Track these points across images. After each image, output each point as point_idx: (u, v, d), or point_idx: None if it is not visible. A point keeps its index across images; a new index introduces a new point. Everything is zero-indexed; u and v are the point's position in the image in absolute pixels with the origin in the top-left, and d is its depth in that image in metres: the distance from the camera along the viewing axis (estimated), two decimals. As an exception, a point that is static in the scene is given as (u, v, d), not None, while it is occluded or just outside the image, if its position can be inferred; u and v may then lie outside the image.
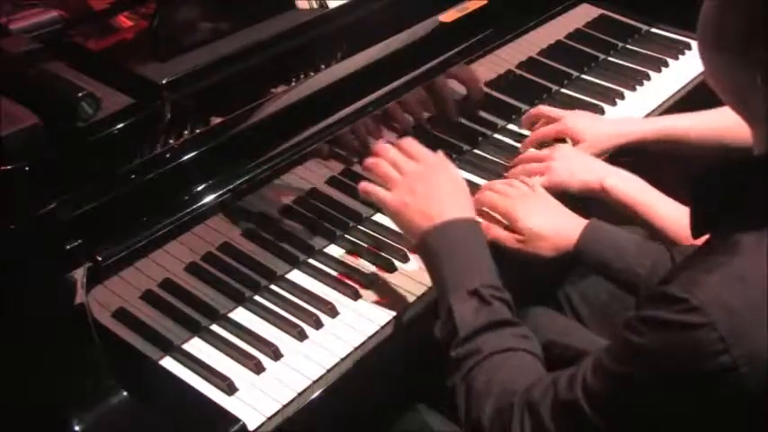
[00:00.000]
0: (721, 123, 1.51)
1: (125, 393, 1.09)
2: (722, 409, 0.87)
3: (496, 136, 1.69)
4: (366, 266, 1.38)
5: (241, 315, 1.30)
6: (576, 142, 1.57)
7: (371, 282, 1.35)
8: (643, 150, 1.60)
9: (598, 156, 1.54)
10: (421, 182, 1.24)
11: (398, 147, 1.31)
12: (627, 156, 1.60)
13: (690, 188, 0.97)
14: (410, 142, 1.31)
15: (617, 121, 1.67)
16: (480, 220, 1.33)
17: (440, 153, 1.32)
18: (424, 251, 1.20)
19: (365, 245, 1.42)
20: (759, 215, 0.88)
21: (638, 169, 1.46)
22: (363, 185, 1.30)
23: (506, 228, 1.37)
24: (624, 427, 0.93)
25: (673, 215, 1.37)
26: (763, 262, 0.85)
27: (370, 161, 1.31)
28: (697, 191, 0.96)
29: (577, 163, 1.48)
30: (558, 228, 1.34)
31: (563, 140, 1.59)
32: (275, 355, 1.23)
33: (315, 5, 1.46)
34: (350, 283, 1.34)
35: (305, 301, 1.32)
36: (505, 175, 1.54)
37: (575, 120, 1.60)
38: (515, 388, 1.03)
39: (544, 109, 1.66)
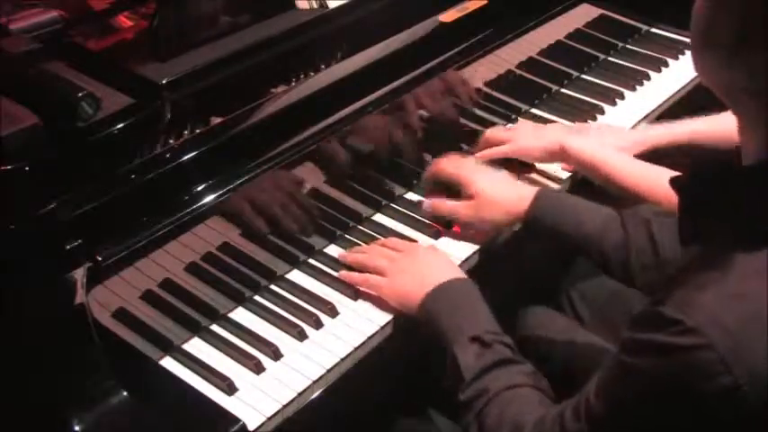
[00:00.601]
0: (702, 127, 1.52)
1: (125, 393, 1.09)
2: (725, 427, 0.86)
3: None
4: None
5: (241, 315, 1.30)
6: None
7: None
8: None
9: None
10: (408, 262, 1.31)
11: (383, 244, 1.39)
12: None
13: (678, 196, 0.96)
14: (393, 240, 1.40)
15: (624, 132, 1.63)
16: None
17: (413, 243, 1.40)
18: (426, 317, 1.23)
19: (366, 245, 1.42)
20: (754, 228, 0.87)
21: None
22: (358, 281, 1.33)
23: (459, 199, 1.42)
24: None
25: (630, 171, 1.40)
26: (758, 277, 0.84)
27: (360, 258, 1.36)
28: (685, 201, 0.96)
29: (537, 130, 1.57)
30: (510, 193, 1.38)
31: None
32: (275, 355, 1.23)
33: (315, 5, 1.46)
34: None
35: (305, 301, 1.32)
36: (472, 153, 1.57)
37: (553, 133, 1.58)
38: (525, 421, 1.04)
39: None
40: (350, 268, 1.36)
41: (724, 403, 0.84)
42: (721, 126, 1.52)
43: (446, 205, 1.44)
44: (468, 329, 1.16)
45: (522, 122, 1.62)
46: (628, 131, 1.62)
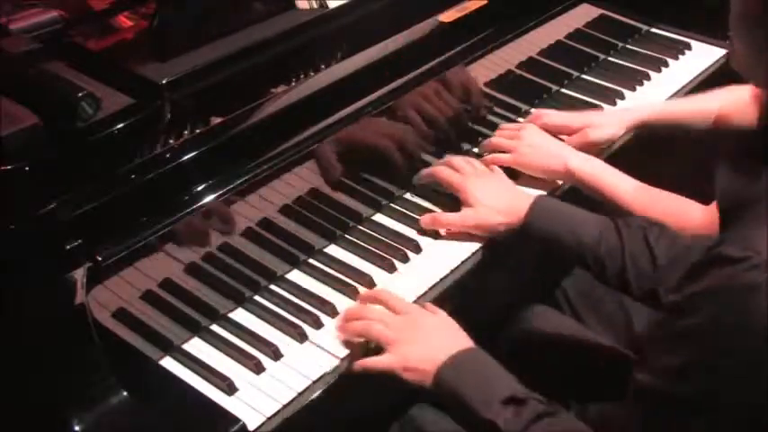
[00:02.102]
0: (710, 103, 1.58)
1: (125, 393, 1.09)
2: None
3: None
4: (366, 266, 1.38)
5: (241, 315, 1.30)
6: (582, 134, 1.59)
7: (371, 282, 1.35)
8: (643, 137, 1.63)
9: (607, 143, 1.59)
10: (413, 332, 1.23)
11: (376, 299, 1.29)
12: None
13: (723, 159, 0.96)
14: (386, 295, 1.29)
15: (620, 108, 1.74)
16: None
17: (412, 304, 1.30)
18: (443, 391, 1.18)
19: (365, 245, 1.42)
20: None
21: (636, 166, 1.48)
22: (361, 363, 1.24)
23: (458, 207, 1.43)
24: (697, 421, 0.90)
25: (634, 193, 1.41)
26: None
27: (357, 326, 1.25)
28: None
29: (542, 146, 1.55)
30: (508, 201, 1.39)
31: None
32: (275, 355, 1.23)
33: (315, 5, 1.46)
34: (351, 282, 1.35)
35: (305, 301, 1.32)
36: (476, 150, 1.61)
37: (580, 115, 1.64)
38: None
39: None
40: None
41: None
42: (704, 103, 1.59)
43: (443, 217, 1.44)
44: (497, 395, 1.13)
45: (528, 130, 1.57)
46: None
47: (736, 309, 0.83)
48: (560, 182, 1.55)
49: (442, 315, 1.27)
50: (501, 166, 1.52)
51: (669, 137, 1.64)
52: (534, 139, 1.55)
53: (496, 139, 1.58)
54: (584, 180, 1.46)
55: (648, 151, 1.67)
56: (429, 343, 1.21)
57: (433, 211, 1.47)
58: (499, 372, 1.18)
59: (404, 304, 1.28)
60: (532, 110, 1.76)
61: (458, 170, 1.46)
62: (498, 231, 1.39)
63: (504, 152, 1.56)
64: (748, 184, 0.92)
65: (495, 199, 1.40)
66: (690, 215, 1.37)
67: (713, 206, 1.27)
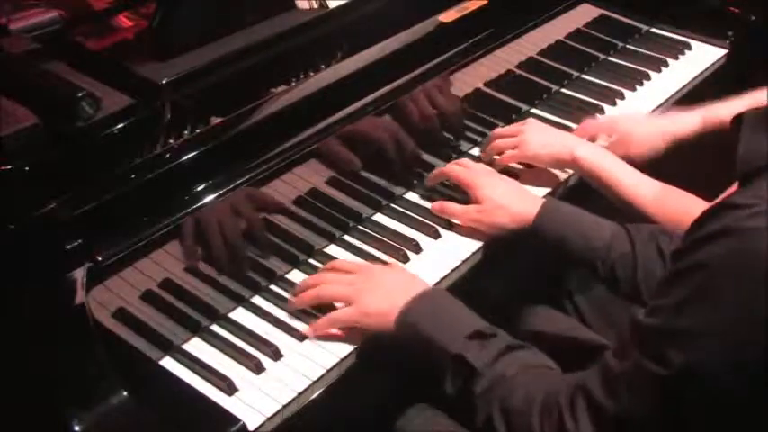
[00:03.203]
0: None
1: (125, 393, 1.09)
2: None
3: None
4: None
5: (241, 315, 1.30)
6: (623, 144, 1.56)
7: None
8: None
9: (649, 158, 1.56)
10: (369, 281, 1.26)
11: (331, 267, 1.32)
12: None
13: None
14: (338, 261, 1.34)
15: (661, 120, 1.65)
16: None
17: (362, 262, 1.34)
18: (407, 331, 1.19)
19: (365, 245, 1.42)
20: None
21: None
22: (325, 324, 1.25)
23: (466, 202, 1.43)
24: (689, 354, 0.89)
25: (640, 188, 1.40)
26: None
27: (311, 292, 1.27)
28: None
29: (548, 135, 1.54)
30: (517, 200, 1.39)
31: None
32: (275, 355, 1.23)
33: (315, 5, 1.46)
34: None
35: (305, 301, 1.32)
36: (484, 154, 1.61)
37: (624, 121, 1.62)
38: (555, 392, 1.02)
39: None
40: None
41: None
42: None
43: (454, 208, 1.44)
44: (461, 330, 1.14)
45: (531, 124, 1.58)
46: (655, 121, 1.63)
47: (736, 250, 0.84)
48: (562, 178, 1.55)
49: (398, 267, 1.31)
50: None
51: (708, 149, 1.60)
52: (538, 130, 1.55)
53: (502, 141, 1.57)
54: (591, 169, 1.46)
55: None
56: (386, 288, 1.23)
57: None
58: (462, 309, 1.19)
59: (355, 264, 1.31)
60: (532, 110, 1.77)
61: (469, 169, 1.47)
62: (503, 230, 1.39)
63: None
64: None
65: (503, 198, 1.40)
66: (697, 214, 1.36)
67: None
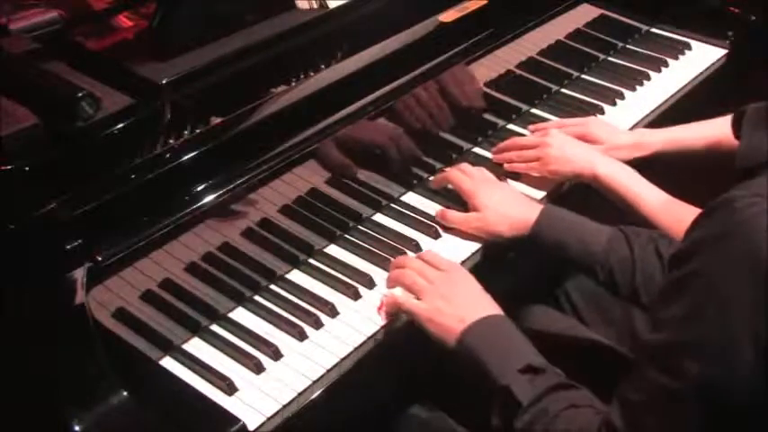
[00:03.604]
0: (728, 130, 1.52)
1: (125, 393, 1.09)
2: None
3: (496, 136, 1.69)
4: (366, 266, 1.38)
5: (241, 315, 1.30)
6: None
7: (371, 282, 1.35)
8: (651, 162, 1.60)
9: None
10: (449, 287, 1.25)
11: (421, 258, 1.34)
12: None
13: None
14: (431, 254, 1.35)
15: (633, 133, 1.65)
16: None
17: (454, 262, 1.34)
18: (465, 351, 1.19)
19: (365, 245, 1.42)
20: None
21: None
22: (392, 299, 1.28)
23: (465, 210, 1.43)
24: (701, 367, 0.89)
25: (660, 206, 1.40)
26: None
27: (396, 272, 1.32)
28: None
29: (570, 150, 1.52)
30: (516, 208, 1.40)
31: None
32: (275, 355, 1.23)
33: (315, 5, 1.46)
34: (351, 282, 1.35)
35: (305, 301, 1.32)
36: (498, 158, 1.60)
37: (597, 125, 1.62)
38: (591, 426, 1.02)
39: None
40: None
41: None
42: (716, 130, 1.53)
43: (455, 217, 1.44)
44: (515, 362, 1.13)
45: (554, 137, 1.54)
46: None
47: (737, 254, 0.84)
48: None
49: (473, 281, 1.29)
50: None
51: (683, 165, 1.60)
52: (560, 145, 1.52)
53: (524, 152, 1.55)
54: (612, 187, 1.45)
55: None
56: (462, 302, 1.23)
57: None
58: (522, 343, 1.18)
59: (444, 261, 1.32)
60: (532, 110, 1.77)
61: (468, 175, 1.47)
62: (502, 238, 1.39)
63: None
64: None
65: (502, 206, 1.40)
66: None
67: None
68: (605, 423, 0.99)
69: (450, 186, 1.50)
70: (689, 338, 0.90)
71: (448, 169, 1.52)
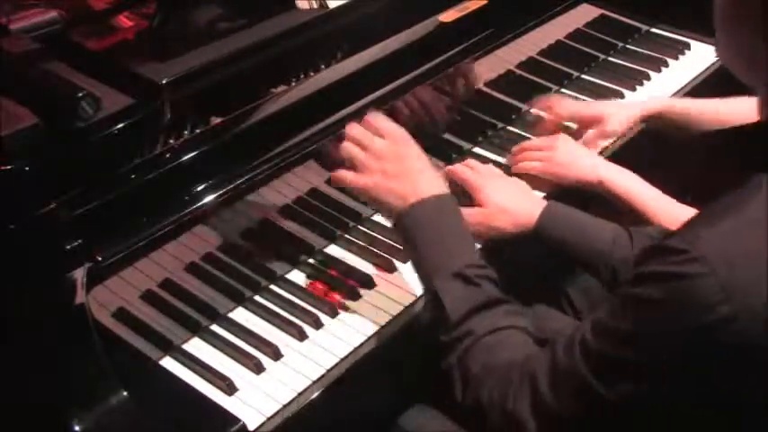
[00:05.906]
0: (722, 107, 1.56)
1: (125, 393, 1.09)
2: (723, 361, 0.88)
3: (496, 136, 1.69)
4: (366, 266, 1.38)
5: (241, 315, 1.30)
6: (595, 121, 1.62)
7: (371, 282, 1.35)
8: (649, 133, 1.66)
9: (624, 132, 1.62)
10: (390, 160, 1.21)
11: (364, 122, 1.26)
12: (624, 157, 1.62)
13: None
14: (375, 116, 1.26)
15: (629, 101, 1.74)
16: None
17: (402, 129, 1.27)
18: (402, 231, 1.19)
19: (365, 245, 1.42)
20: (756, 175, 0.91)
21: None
22: (333, 174, 1.26)
23: (470, 204, 1.42)
24: (624, 386, 0.94)
25: (665, 210, 1.41)
26: (762, 215, 0.87)
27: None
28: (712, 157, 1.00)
29: (576, 155, 1.54)
30: (521, 204, 1.39)
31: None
32: (275, 355, 1.23)
33: (315, 5, 1.46)
34: (351, 282, 1.35)
35: (305, 301, 1.32)
36: (507, 162, 1.61)
37: (597, 104, 1.69)
38: (512, 365, 1.04)
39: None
40: None
41: (721, 334, 0.86)
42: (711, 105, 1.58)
43: None
44: (450, 262, 1.13)
45: (563, 141, 1.56)
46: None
47: (675, 296, 0.88)
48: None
49: (422, 152, 1.24)
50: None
51: (678, 134, 1.64)
52: (568, 150, 1.54)
53: (529, 154, 1.57)
54: (617, 193, 1.46)
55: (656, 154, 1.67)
56: (403, 177, 1.20)
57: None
58: (463, 235, 1.18)
59: (389, 126, 1.24)
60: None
61: (476, 171, 1.47)
62: (504, 233, 1.39)
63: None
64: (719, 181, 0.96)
65: (507, 202, 1.40)
66: None
67: None
68: (529, 373, 1.01)
69: (454, 182, 1.50)
70: (625, 357, 0.94)
71: (457, 165, 1.51)
